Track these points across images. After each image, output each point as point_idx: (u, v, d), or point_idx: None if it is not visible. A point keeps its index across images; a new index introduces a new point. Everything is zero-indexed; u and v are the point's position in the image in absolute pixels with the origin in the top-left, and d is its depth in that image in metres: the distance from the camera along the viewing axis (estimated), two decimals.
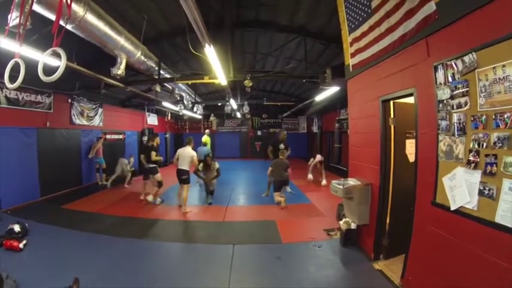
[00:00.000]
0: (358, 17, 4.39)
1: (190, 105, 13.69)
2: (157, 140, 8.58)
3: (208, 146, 12.29)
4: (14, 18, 3.21)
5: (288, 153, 8.65)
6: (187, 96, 12.63)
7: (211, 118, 19.85)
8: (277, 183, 7.91)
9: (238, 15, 7.39)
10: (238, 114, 17.94)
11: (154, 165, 8.22)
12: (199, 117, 18.61)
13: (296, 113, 18.81)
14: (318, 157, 10.61)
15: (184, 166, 7.16)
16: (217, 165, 8.32)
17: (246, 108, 14.41)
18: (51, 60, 3.70)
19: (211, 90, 14.98)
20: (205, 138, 12.58)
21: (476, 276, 2.33)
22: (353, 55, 4.72)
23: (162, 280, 3.85)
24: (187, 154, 7.20)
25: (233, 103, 13.22)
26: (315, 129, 18.21)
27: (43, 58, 2.81)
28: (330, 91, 8.36)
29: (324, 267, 4.17)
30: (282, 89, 15.80)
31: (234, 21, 7.36)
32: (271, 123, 21.22)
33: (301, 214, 6.71)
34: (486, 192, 2.26)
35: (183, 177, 7.19)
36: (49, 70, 2.76)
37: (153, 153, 8.10)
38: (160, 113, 17.48)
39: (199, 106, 15.82)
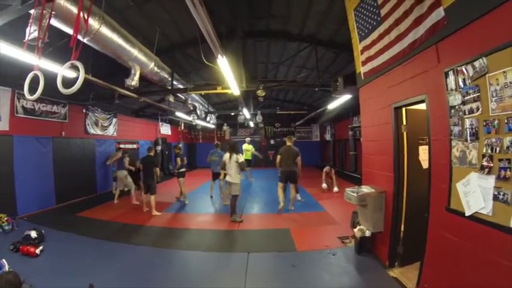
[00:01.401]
0: (368, 25, 4.42)
1: (204, 115, 13.84)
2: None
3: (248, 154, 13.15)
4: (32, 32, 3.31)
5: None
6: (200, 106, 12.79)
7: (225, 127, 19.94)
8: (283, 174, 7.66)
9: (250, 26, 7.53)
10: (252, 124, 18.02)
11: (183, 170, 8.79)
12: (213, 126, 18.76)
13: (309, 121, 18.76)
14: (326, 169, 10.46)
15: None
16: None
17: (259, 118, 14.50)
18: (68, 72, 3.82)
19: (224, 100, 15.12)
20: (246, 146, 13.44)
21: (493, 282, 2.30)
22: (364, 63, 4.74)
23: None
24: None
25: (246, 113, 13.30)
26: (327, 137, 18.16)
27: (62, 71, 2.92)
28: (342, 99, 8.38)
29: (338, 275, 4.13)
30: (295, 98, 15.87)
31: (246, 32, 7.49)
32: (284, 131, 21.19)
33: (315, 222, 6.67)
34: (501, 197, 2.23)
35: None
36: (66, 82, 2.87)
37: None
38: (174, 123, 17.73)
39: (213, 116, 15.96)
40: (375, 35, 4.22)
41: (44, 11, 3.26)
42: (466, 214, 2.57)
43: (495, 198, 2.29)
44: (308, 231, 6.09)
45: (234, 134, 21.81)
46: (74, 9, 3.61)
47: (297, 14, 6.74)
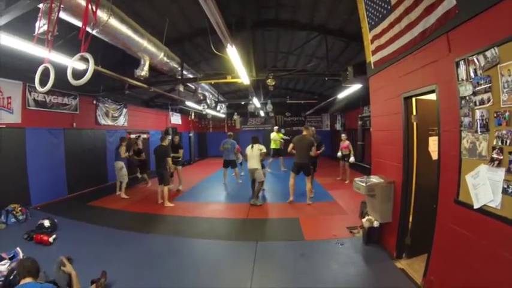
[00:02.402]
0: (378, 14, 4.34)
1: (214, 105, 13.87)
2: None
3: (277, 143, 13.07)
4: (41, 25, 3.34)
5: (321, 150, 8.22)
6: (210, 96, 12.79)
7: (235, 117, 19.95)
8: (295, 166, 7.37)
9: (259, 15, 7.45)
10: (262, 113, 17.99)
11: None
12: (223, 116, 18.79)
13: (319, 111, 18.64)
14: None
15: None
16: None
17: (269, 107, 14.46)
18: (78, 64, 3.86)
19: (234, 89, 15.08)
20: (275, 135, 13.10)
21: (500, 277, 2.27)
22: (374, 52, 4.67)
23: (185, 275, 4.00)
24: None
25: (256, 102, 13.28)
26: (338, 126, 18.03)
27: (72, 63, 2.98)
28: (352, 89, 8.30)
29: (345, 264, 4.17)
30: (305, 87, 15.74)
31: (255, 21, 7.42)
32: (294, 121, 21.12)
33: (324, 212, 6.70)
34: (510, 190, 2.19)
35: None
36: (76, 74, 2.92)
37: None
38: (184, 112, 17.80)
39: (223, 105, 15.97)
40: (385, 23, 4.14)
41: (53, 5, 3.29)
42: (475, 207, 2.54)
43: (504, 191, 2.24)
44: (317, 220, 6.13)
45: (244, 123, 21.85)
46: (83, 2, 3.60)
47: (306, 3, 6.63)
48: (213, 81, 9.52)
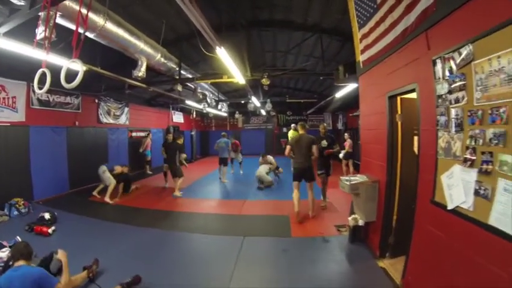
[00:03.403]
0: (366, 13, 4.32)
1: (214, 103, 13.92)
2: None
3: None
4: (40, 32, 3.58)
5: (335, 150, 7.12)
6: (211, 95, 12.84)
7: (237, 115, 20.00)
8: (296, 172, 6.18)
9: (254, 16, 7.48)
10: (263, 112, 18.01)
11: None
12: (225, 114, 18.86)
13: (321, 110, 18.58)
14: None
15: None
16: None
17: (268, 106, 14.47)
18: (75, 66, 4.02)
19: (235, 88, 15.06)
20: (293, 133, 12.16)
21: (473, 281, 2.23)
22: (362, 51, 4.66)
23: (170, 267, 4.14)
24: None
25: (255, 101, 13.31)
26: (339, 125, 17.95)
27: (64, 68, 3.17)
28: (349, 87, 8.24)
29: (328, 261, 4.22)
30: (305, 86, 15.68)
31: (250, 22, 7.45)
32: (296, 120, 21.01)
33: (315, 210, 6.58)
34: (482, 192, 2.15)
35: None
36: (73, 75, 3.07)
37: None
38: (186, 111, 17.90)
39: (224, 104, 16.02)
40: (372, 23, 4.13)
41: (51, 12, 3.49)
42: (448, 208, 2.51)
43: (476, 193, 2.20)
44: (307, 218, 6.09)
45: (246, 122, 21.92)
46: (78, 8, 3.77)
47: (299, 3, 6.66)
48: (209, 81, 9.61)
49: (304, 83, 14.87)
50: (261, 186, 9.25)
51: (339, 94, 9.62)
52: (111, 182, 7.82)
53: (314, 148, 5.98)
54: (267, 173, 9.54)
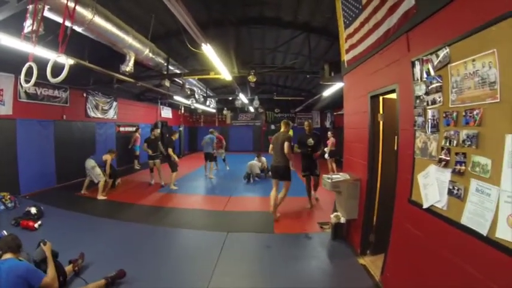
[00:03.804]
0: (351, 13, 4.37)
1: (202, 99, 13.88)
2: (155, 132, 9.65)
3: None
4: (28, 25, 3.57)
5: (320, 151, 6.94)
6: (199, 91, 12.81)
7: (225, 112, 19.99)
8: (271, 170, 6.33)
9: (244, 13, 7.47)
10: (251, 109, 18.01)
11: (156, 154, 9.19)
12: (213, 111, 18.83)
13: (309, 108, 18.68)
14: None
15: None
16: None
17: (256, 103, 14.47)
18: (62, 59, 4.01)
19: (223, 84, 15.02)
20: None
21: (448, 279, 2.28)
22: (347, 51, 4.71)
23: (154, 261, 4.19)
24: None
25: (243, 97, 13.33)
26: (327, 124, 18.08)
27: (50, 63, 3.21)
28: (336, 86, 8.30)
29: (309, 258, 4.29)
30: (294, 84, 15.74)
31: (239, 19, 7.45)
32: (285, 117, 21.12)
33: (300, 207, 6.75)
34: (455, 192, 2.21)
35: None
36: (62, 68, 3.14)
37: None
38: (174, 106, 17.81)
39: (212, 100, 15.97)
40: (357, 23, 4.18)
41: (39, 6, 3.50)
42: (424, 206, 2.58)
43: (450, 192, 2.27)
44: (291, 215, 6.16)
45: (235, 119, 21.89)
46: (69, 2, 3.77)
47: (289, 1, 6.68)
48: (196, 77, 9.61)
49: (293, 80, 14.92)
50: (249, 180, 9.78)
51: (326, 93, 9.69)
52: (102, 178, 7.63)
53: (285, 145, 5.71)
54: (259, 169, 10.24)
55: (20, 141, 7.76)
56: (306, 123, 7.08)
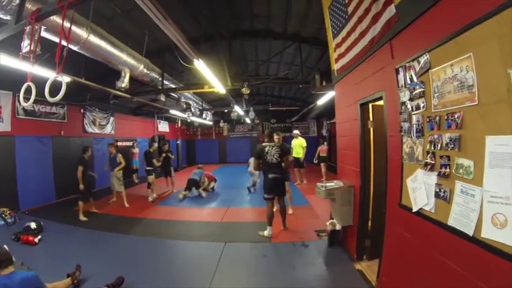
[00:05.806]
0: (339, 23, 4.48)
1: (198, 112, 13.97)
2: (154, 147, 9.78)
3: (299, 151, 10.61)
4: (26, 45, 3.62)
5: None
6: (195, 104, 12.89)
7: (222, 124, 20.07)
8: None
9: (235, 26, 7.61)
10: (248, 120, 18.10)
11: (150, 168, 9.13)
12: (210, 123, 18.89)
13: (305, 117, 18.77)
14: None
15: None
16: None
17: (252, 114, 14.57)
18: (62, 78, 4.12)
19: (219, 97, 15.10)
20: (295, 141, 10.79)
21: (439, 281, 2.31)
22: (337, 60, 4.80)
23: (152, 272, 4.22)
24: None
25: (238, 109, 13.42)
26: (324, 132, 18.15)
27: (49, 83, 3.32)
28: (329, 95, 8.37)
29: (305, 265, 4.30)
30: (288, 94, 15.88)
31: (231, 32, 7.58)
32: (281, 127, 21.21)
33: (297, 216, 6.77)
34: (441, 194, 2.25)
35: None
36: (59, 85, 3.20)
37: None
38: (171, 120, 17.89)
39: (208, 113, 16.08)
40: (344, 32, 4.28)
41: (36, 27, 3.58)
42: (413, 210, 2.62)
43: (436, 195, 2.31)
44: (288, 224, 6.10)
45: (232, 130, 21.93)
46: (65, 23, 3.83)
47: (278, 14, 6.83)
48: (191, 91, 9.68)
49: (288, 90, 15.07)
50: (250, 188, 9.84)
51: (321, 101, 9.76)
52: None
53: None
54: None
55: (19, 157, 7.87)
56: (275, 135, 5.74)
